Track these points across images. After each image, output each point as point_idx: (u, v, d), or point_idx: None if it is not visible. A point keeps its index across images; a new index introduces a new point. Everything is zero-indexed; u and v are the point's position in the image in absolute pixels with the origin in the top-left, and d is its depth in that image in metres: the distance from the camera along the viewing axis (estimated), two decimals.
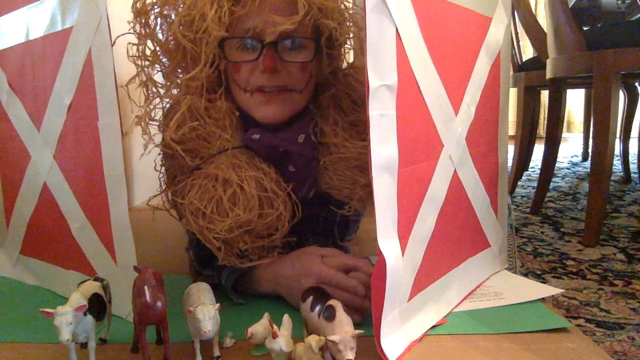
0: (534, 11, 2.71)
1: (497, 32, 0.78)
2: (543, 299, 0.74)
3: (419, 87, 0.61)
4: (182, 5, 0.68)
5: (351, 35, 0.75)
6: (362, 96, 0.72)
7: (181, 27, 0.67)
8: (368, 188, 0.73)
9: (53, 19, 0.70)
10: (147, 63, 0.70)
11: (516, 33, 2.20)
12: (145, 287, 0.53)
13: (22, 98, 0.81)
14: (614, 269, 1.16)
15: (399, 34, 0.56)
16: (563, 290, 0.99)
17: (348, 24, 0.73)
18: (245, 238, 0.69)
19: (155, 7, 0.69)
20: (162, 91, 0.72)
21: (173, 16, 0.69)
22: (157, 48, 0.71)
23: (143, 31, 0.69)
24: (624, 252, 1.28)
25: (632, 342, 0.81)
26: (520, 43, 2.28)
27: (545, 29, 1.66)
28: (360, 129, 0.73)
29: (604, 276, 1.11)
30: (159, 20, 0.70)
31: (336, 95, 0.75)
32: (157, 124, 0.74)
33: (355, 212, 0.78)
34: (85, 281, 0.61)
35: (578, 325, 0.86)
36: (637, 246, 1.33)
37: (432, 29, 0.62)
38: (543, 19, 2.39)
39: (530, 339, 0.62)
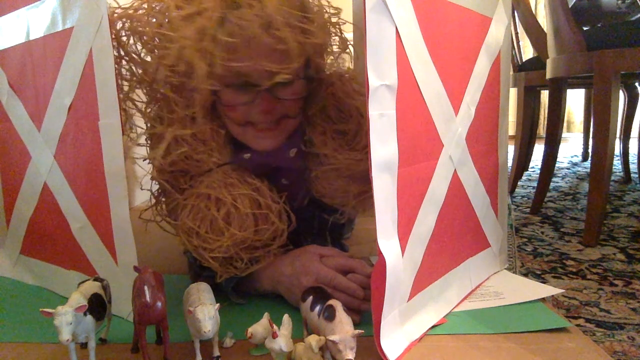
0: (534, 11, 2.71)
1: (497, 32, 0.78)
2: (543, 299, 0.74)
3: (419, 87, 0.61)
4: (157, 37, 0.66)
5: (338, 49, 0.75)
6: (349, 106, 0.72)
7: (166, 70, 0.65)
8: (361, 196, 0.73)
9: (54, 19, 0.70)
10: (125, 84, 0.70)
11: (516, 33, 2.20)
12: (145, 287, 0.53)
13: (23, 98, 0.81)
14: (614, 269, 1.16)
15: (399, 34, 0.56)
16: (563, 290, 0.99)
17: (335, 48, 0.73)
18: (242, 255, 0.69)
19: (125, 28, 0.68)
20: (144, 112, 0.71)
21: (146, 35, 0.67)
22: (134, 68, 0.70)
23: (116, 53, 0.68)
24: (624, 252, 1.28)
25: (632, 342, 0.81)
26: (520, 43, 2.28)
27: (545, 29, 1.66)
28: (349, 138, 0.73)
29: (604, 276, 1.11)
30: (134, 41, 0.69)
31: (323, 104, 0.75)
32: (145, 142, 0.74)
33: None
34: (85, 281, 0.61)
35: (578, 325, 0.86)
36: (637, 246, 1.33)
37: (432, 29, 0.62)
38: (543, 19, 2.39)
39: (530, 339, 0.62)
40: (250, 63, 0.64)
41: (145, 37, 0.67)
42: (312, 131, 0.75)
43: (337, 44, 0.74)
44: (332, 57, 0.76)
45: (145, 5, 0.67)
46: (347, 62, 0.78)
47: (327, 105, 0.74)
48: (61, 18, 0.69)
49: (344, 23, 0.73)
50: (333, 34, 0.72)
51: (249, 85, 0.67)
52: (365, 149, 0.70)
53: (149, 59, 0.69)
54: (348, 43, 0.76)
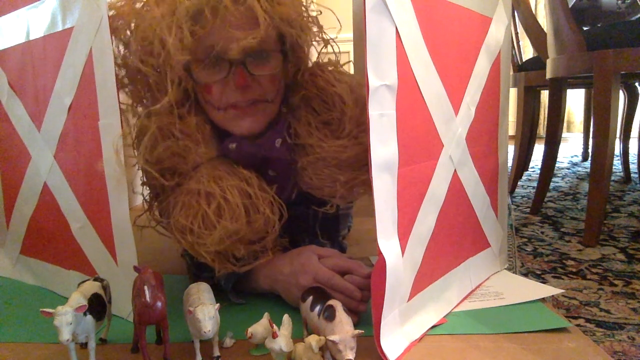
0: (534, 11, 2.71)
1: (497, 32, 0.78)
2: (543, 299, 0.74)
3: (419, 87, 0.61)
4: (134, 24, 0.66)
5: (317, 39, 0.75)
6: (332, 95, 0.72)
7: (139, 50, 0.65)
8: (348, 184, 0.73)
9: (54, 19, 0.70)
10: None
11: (516, 33, 2.19)
12: (145, 287, 0.54)
13: (23, 98, 0.81)
14: (614, 269, 1.16)
15: (399, 34, 0.56)
16: (563, 291, 0.98)
17: (309, 24, 0.72)
18: (238, 246, 0.69)
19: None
20: (129, 116, 0.71)
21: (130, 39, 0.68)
22: (117, 69, 0.69)
23: None
24: (624, 252, 1.28)
25: (632, 342, 0.81)
26: (520, 43, 2.28)
27: (545, 29, 1.66)
28: (333, 127, 0.73)
29: (604, 276, 1.11)
30: (115, 41, 0.68)
31: (306, 96, 0.75)
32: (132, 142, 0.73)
33: (339, 207, 0.78)
34: (85, 281, 0.61)
35: (578, 325, 0.86)
36: (637, 246, 1.32)
37: (432, 29, 0.62)
38: (543, 19, 2.39)
39: (530, 339, 0.62)
40: (220, 34, 0.64)
41: (123, 27, 0.67)
42: (297, 123, 0.75)
43: (315, 32, 0.74)
44: (313, 46, 0.76)
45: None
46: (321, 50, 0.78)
47: (310, 96, 0.75)
48: (61, 18, 0.69)
49: (312, 2, 0.73)
50: (304, 11, 0.72)
51: (220, 59, 0.67)
52: (350, 135, 0.71)
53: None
54: (324, 32, 0.75)
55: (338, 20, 0.77)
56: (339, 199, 0.75)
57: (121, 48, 0.69)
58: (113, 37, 0.68)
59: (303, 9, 0.71)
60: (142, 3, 0.67)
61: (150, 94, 0.70)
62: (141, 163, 0.67)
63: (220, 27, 0.64)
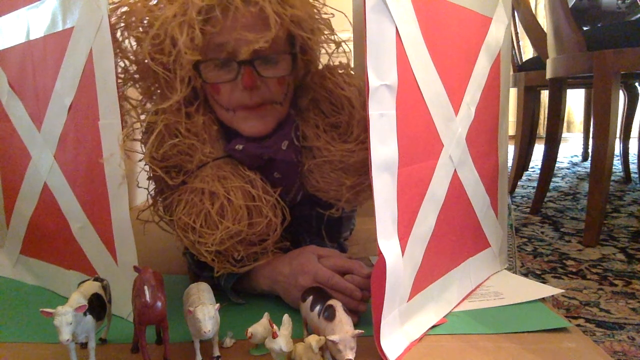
0: (534, 11, 2.71)
1: (497, 32, 0.78)
2: (543, 299, 0.74)
3: (419, 87, 0.61)
4: (146, 21, 0.67)
5: (327, 41, 0.75)
6: (340, 98, 0.73)
7: (151, 48, 0.65)
8: (354, 189, 0.73)
9: (54, 19, 0.70)
10: (119, 82, 0.69)
11: (516, 33, 2.19)
12: (145, 287, 0.54)
13: (23, 98, 0.81)
14: (614, 269, 1.16)
15: (399, 34, 0.56)
16: (563, 291, 0.99)
17: (320, 26, 0.72)
18: (238, 247, 0.69)
19: (121, 23, 0.68)
20: (139, 111, 0.71)
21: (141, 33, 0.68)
22: (128, 64, 0.70)
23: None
24: (624, 252, 1.28)
25: (632, 342, 0.81)
26: (520, 43, 2.28)
27: (545, 29, 1.66)
28: (341, 131, 0.73)
29: (604, 276, 1.11)
30: (127, 35, 0.68)
31: (315, 98, 0.75)
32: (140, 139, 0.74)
33: (343, 210, 0.78)
34: (85, 281, 0.61)
35: (578, 325, 0.86)
36: (637, 246, 1.32)
37: (432, 29, 0.62)
38: (543, 19, 2.39)
39: (530, 339, 0.62)
40: (230, 34, 0.64)
41: (135, 24, 0.68)
42: (305, 126, 0.75)
43: (326, 35, 0.74)
44: (323, 48, 0.76)
45: None
46: (339, 56, 0.78)
47: (319, 99, 0.75)
48: (61, 18, 0.69)
49: (324, 6, 0.73)
50: (316, 12, 0.72)
51: (230, 59, 0.67)
52: (358, 140, 0.71)
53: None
54: (335, 34, 0.75)
55: (349, 21, 0.76)
56: (345, 203, 0.75)
57: (133, 43, 0.69)
58: (126, 32, 0.68)
59: (315, 11, 0.71)
60: (156, 1, 0.67)
61: (159, 91, 0.71)
62: (147, 160, 0.68)
63: (230, 27, 0.64)
